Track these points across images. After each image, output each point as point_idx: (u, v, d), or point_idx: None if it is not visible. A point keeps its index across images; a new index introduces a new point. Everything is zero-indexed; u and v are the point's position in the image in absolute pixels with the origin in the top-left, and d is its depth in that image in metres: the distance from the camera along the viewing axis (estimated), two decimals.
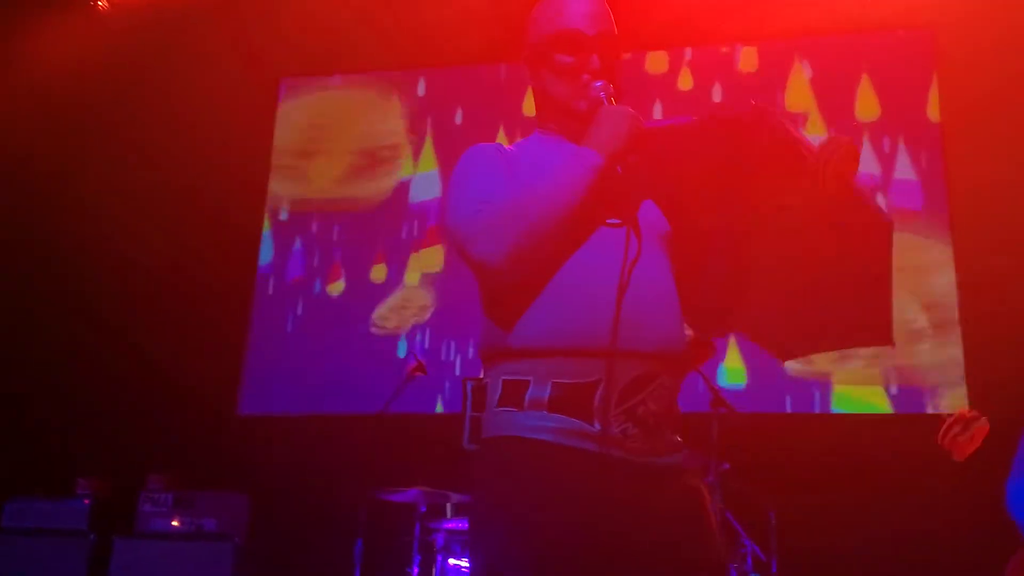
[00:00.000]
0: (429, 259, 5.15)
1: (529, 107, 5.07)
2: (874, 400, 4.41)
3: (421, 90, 5.30)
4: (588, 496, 1.38)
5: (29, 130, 5.00)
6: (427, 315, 5.07)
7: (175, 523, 4.40)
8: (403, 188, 5.28)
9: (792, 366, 4.30)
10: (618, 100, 1.52)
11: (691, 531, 1.43)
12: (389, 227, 5.25)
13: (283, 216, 5.38)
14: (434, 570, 3.97)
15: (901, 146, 4.69)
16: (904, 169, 4.67)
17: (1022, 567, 2.88)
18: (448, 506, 4.14)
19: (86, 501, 4.48)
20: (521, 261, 1.43)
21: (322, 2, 4.96)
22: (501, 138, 5.14)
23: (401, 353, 4.97)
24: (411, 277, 5.13)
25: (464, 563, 3.94)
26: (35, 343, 5.04)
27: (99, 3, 4.82)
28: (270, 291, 5.28)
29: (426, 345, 4.97)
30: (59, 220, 5.14)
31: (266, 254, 5.31)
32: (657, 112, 4.89)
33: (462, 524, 3.99)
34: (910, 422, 4.27)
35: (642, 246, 1.46)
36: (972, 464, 3.34)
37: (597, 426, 1.41)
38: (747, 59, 5.03)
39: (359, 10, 4.92)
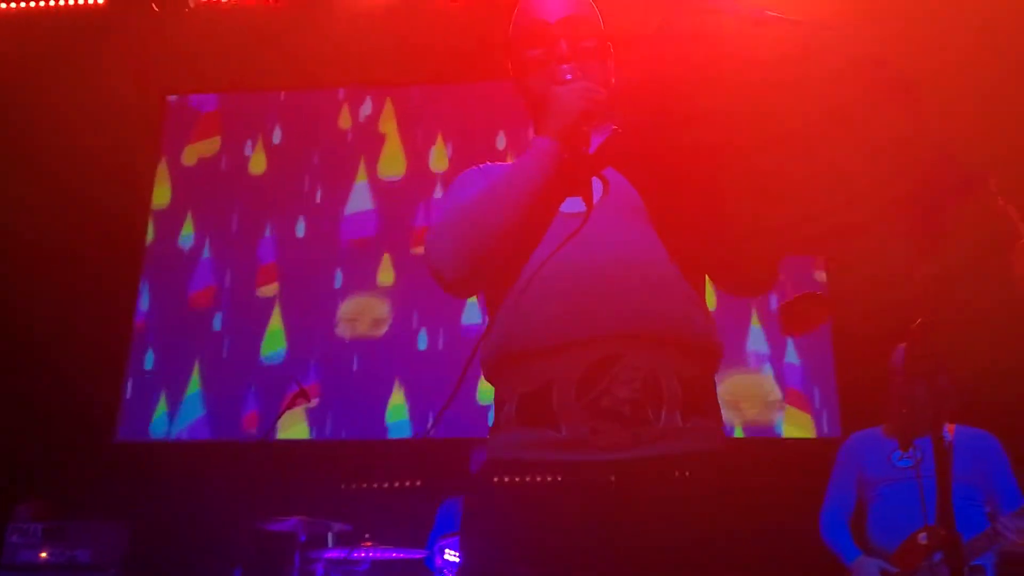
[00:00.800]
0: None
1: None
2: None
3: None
4: (560, 512, 1.29)
5: None
6: None
7: (44, 555, 4.24)
8: None
9: None
10: (596, 78, 1.46)
11: (682, 535, 1.26)
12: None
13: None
14: None
15: None
16: None
17: None
18: (329, 535, 4.09)
19: None
20: (472, 268, 1.38)
21: (206, 23, 4.99)
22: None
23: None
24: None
25: None
26: None
27: None
28: (152, 311, 5.20)
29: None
30: None
31: (150, 272, 5.22)
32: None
33: (342, 553, 3.98)
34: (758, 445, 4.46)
35: (594, 225, 1.36)
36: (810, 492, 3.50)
37: (564, 431, 1.31)
38: None
39: (244, 31, 4.97)
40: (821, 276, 4.54)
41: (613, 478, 1.26)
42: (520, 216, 1.35)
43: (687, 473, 1.28)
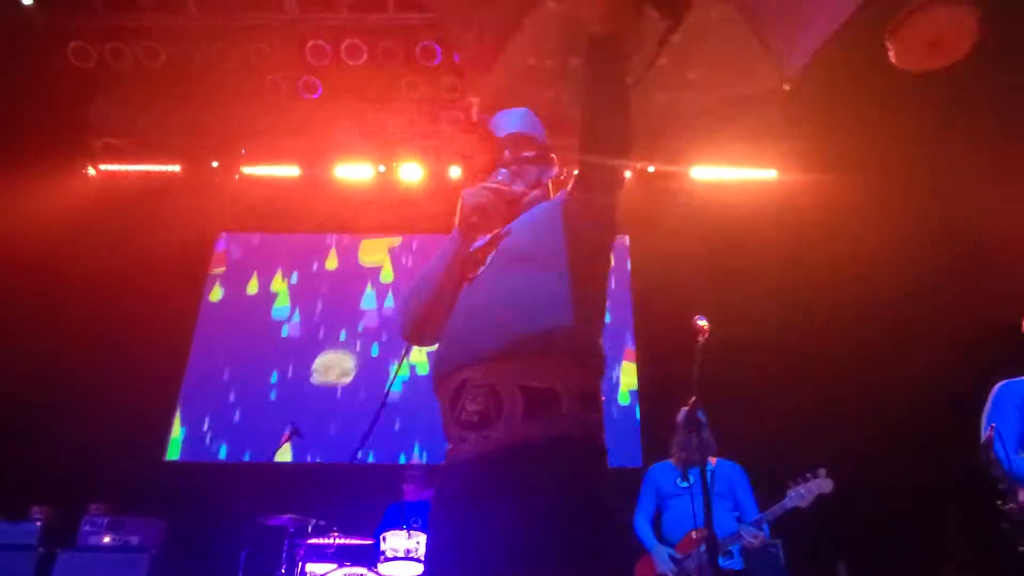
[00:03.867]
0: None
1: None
2: None
3: None
4: (447, 504, 1.49)
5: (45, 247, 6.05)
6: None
7: (107, 539, 5.05)
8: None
9: None
10: (529, 179, 1.72)
11: (521, 515, 1.38)
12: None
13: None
14: (296, 572, 4.62)
15: None
16: None
17: (646, 566, 3.90)
18: (309, 527, 4.80)
19: (38, 523, 5.06)
20: (415, 328, 1.63)
21: (248, 185, 6.31)
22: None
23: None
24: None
25: (317, 568, 4.64)
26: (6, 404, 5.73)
27: (88, 171, 6.12)
28: (205, 358, 6.25)
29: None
30: (53, 311, 6.09)
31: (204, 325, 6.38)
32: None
33: (318, 539, 4.71)
34: None
35: (479, 279, 1.54)
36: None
37: (450, 443, 1.51)
38: None
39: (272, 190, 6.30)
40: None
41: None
42: (436, 288, 1.61)
43: (522, 457, 1.41)
